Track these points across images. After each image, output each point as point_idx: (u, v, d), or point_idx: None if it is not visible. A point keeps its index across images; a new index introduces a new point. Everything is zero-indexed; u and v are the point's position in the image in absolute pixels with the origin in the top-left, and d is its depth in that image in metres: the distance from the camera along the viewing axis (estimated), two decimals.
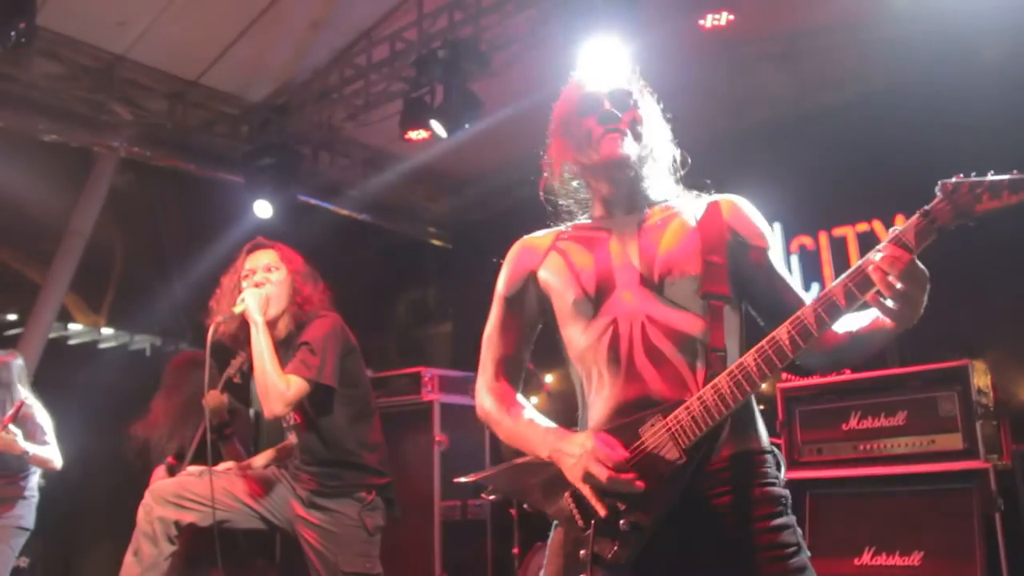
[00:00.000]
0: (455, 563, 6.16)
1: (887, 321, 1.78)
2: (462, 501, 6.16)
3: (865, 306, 1.77)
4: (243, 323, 3.43)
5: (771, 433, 4.88)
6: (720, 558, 1.84)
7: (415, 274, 9.09)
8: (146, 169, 6.90)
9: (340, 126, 6.69)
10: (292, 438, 3.58)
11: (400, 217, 8.20)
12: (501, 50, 5.65)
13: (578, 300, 2.02)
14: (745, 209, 2.11)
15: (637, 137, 2.07)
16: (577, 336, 2.02)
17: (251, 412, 5.98)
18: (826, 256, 5.99)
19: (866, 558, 4.19)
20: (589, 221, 2.19)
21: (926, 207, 1.66)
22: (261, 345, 3.33)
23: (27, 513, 5.07)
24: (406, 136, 5.99)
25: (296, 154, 6.65)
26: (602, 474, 1.79)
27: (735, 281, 2.00)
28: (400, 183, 7.39)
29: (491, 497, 1.90)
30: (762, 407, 3.79)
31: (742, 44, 5.77)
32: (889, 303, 1.71)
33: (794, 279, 2.08)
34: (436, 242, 8.70)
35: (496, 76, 5.67)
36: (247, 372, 4.16)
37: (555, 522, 2.03)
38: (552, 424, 2.03)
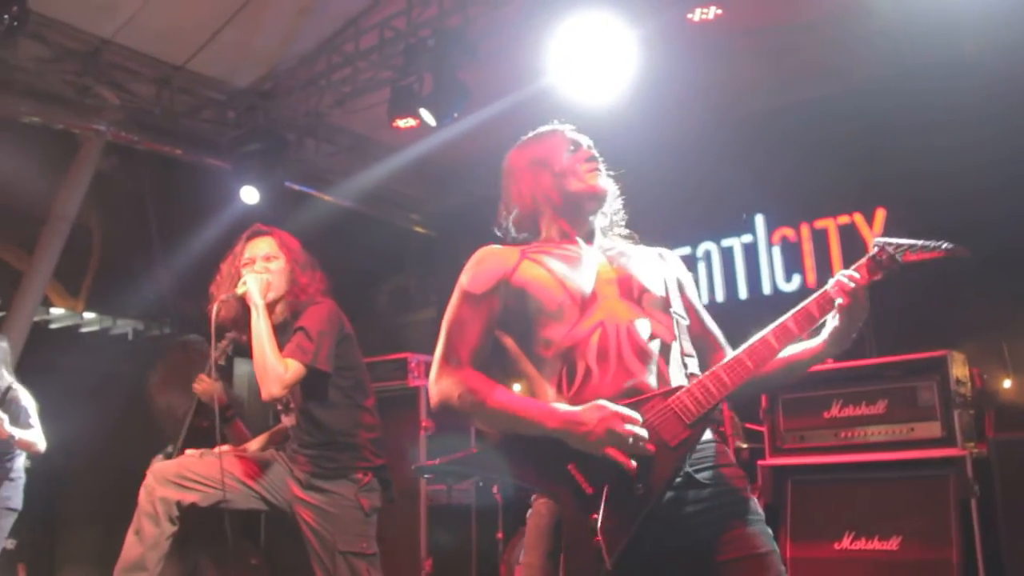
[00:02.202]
0: (440, 547, 6.23)
1: (816, 347, 2.20)
2: (447, 486, 6.23)
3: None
4: (243, 306, 3.49)
5: (754, 420, 4.99)
6: (707, 523, 2.05)
7: (398, 261, 9.12)
8: (131, 153, 6.87)
9: (327, 113, 6.70)
10: (288, 421, 3.63)
11: (384, 205, 8.21)
12: (489, 39, 5.68)
13: (564, 304, 2.18)
14: (680, 262, 2.48)
15: (606, 179, 2.39)
16: (561, 335, 2.17)
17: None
18: (808, 248, 6.09)
19: (846, 542, 4.30)
20: (548, 244, 2.38)
21: (872, 254, 2.14)
22: (261, 328, 3.39)
23: (14, 494, 5.12)
24: (394, 124, 6.01)
25: (282, 140, 6.64)
26: (627, 431, 1.97)
27: None
28: (385, 171, 7.39)
29: (463, 484, 1.93)
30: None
31: (725, 38, 5.83)
32: (836, 320, 2.15)
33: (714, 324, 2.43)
34: (419, 229, 8.72)
35: (483, 65, 5.70)
36: (231, 355, 4.22)
37: (533, 506, 2.14)
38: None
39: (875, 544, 4.22)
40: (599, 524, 1.95)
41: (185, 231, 6.94)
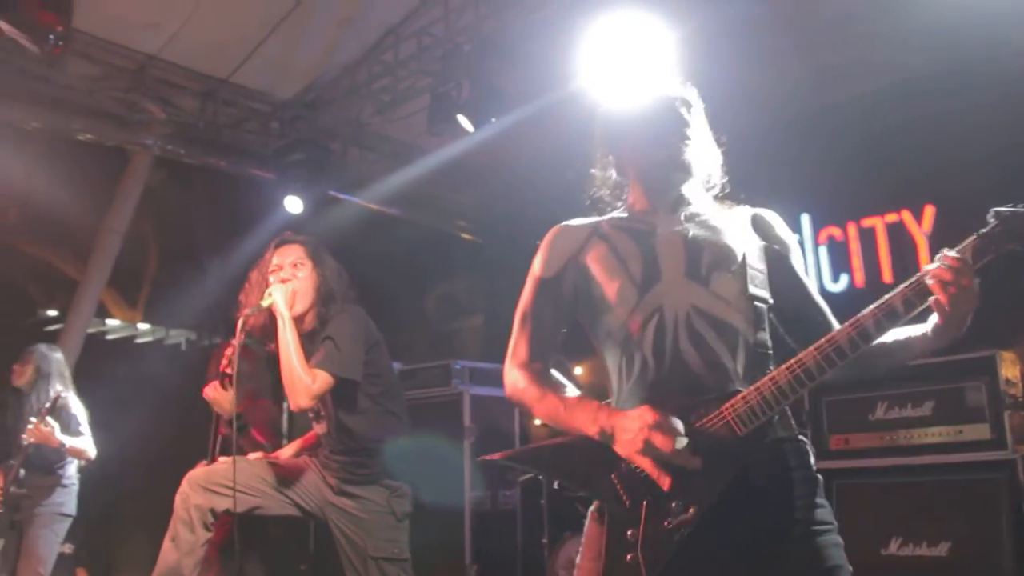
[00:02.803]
0: (485, 554, 6.21)
1: (925, 334, 1.92)
2: (492, 492, 6.22)
3: (915, 320, 1.89)
4: (271, 316, 3.50)
5: (798, 424, 4.90)
6: (766, 536, 1.89)
7: (445, 268, 9.15)
8: (180, 167, 7.03)
9: (368, 121, 6.76)
10: (320, 428, 3.65)
11: (429, 211, 8.25)
12: (526, 43, 5.68)
13: (624, 287, 2.05)
14: (781, 224, 2.23)
15: (696, 145, 2.16)
16: (620, 322, 2.05)
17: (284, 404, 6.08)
18: (855, 247, 5.96)
19: (893, 548, 4.19)
20: (626, 215, 2.24)
21: (982, 230, 1.79)
22: (288, 339, 3.39)
23: (68, 500, 5.25)
24: (433, 131, 6.05)
25: (325, 150, 6.72)
26: (667, 444, 1.81)
27: (771, 290, 2.10)
28: (428, 177, 7.43)
29: (521, 479, 1.92)
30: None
31: (768, 35, 5.75)
32: (938, 312, 1.84)
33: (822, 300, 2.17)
34: (465, 236, 8.75)
35: (521, 69, 5.70)
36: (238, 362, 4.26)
37: (590, 508, 2.07)
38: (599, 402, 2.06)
39: (923, 550, 4.11)
40: (638, 541, 1.86)
41: (232, 241, 7.06)
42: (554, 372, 2.18)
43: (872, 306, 1.85)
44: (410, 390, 6.56)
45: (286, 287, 3.48)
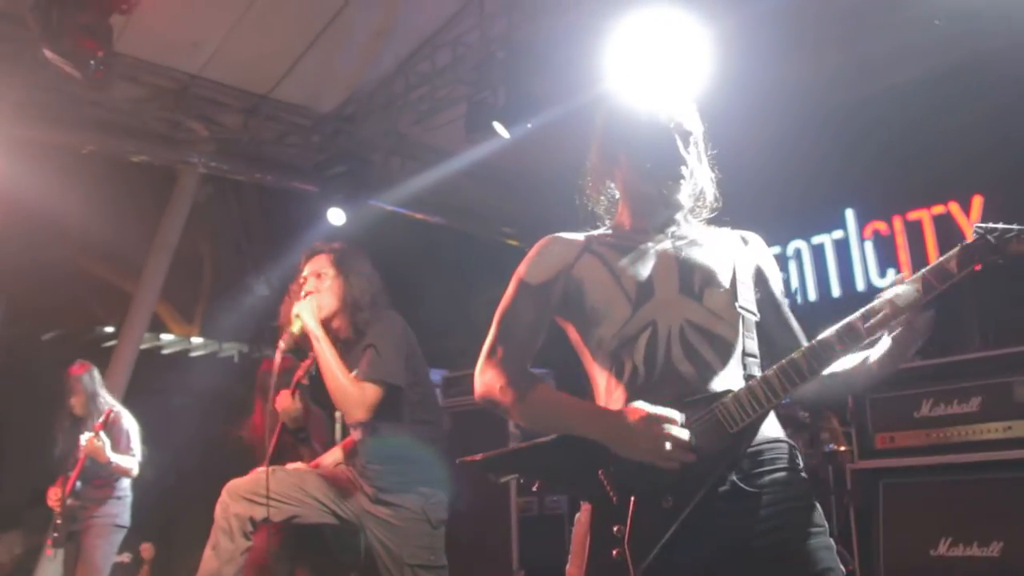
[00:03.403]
0: (533, 559, 6.21)
1: (868, 368, 2.01)
2: (539, 497, 6.22)
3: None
4: (306, 337, 3.52)
5: (842, 422, 4.80)
6: (755, 536, 1.89)
7: (492, 275, 9.14)
8: (226, 183, 7.17)
9: (407, 131, 6.82)
10: (356, 435, 3.68)
11: (472, 219, 8.28)
12: (560, 48, 5.68)
13: (617, 301, 2.06)
14: (764, 246, 2.27)
15: (689, 182, 2.17)
16: (611, 334, 2.06)
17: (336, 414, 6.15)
18: (901, 241, 5.84)
19: (942, 549, 4.07)
20: (617, 233, 2.24)
21: (966, 243, 1.84)
22: (327, 357, 3.42)
23: (122, 512, 5.38)
24: (471, 139, 6.08)
25: (366, 161, 6.81)
26: (665, 431, 1.84)
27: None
28: (471, 185, 7.47)
29: (501, 480, 1.91)
30: None
31: (807, 26, 5.66)
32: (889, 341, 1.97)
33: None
34: (511, 242, 8.76)
35: (557, 74, 5.70)
36: (315, 374, 4.32)
37: (577, 514, 2.07)
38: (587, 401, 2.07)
39: (974, 551, 3.97)
40: (624, 537, 1.86)
41: (278, 255, 7.18)
42: (532, 371, 2.16)
43: (853, 316, 1.92)
44: (456, 396, 6.58)
45: (310, 302, 3.52)
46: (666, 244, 2.15)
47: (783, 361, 1.91)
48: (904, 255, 5.79)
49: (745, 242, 2.24)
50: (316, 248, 3.77)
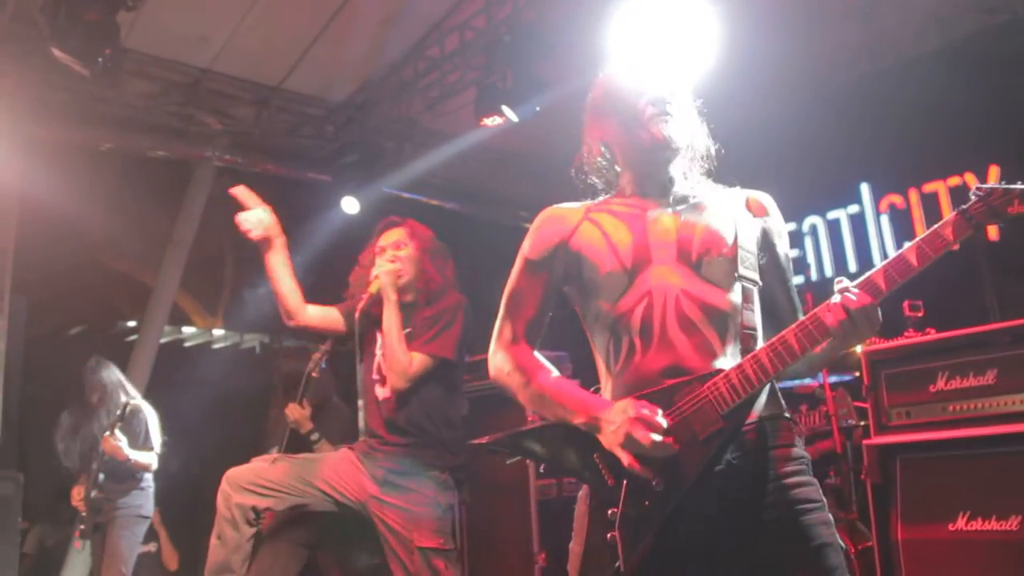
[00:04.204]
0: (553, 541, 6.22)
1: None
2: (557, 480, 6.22)
3: None
4: (376, 302, 3.64)
5: (857, 398, 4.77)
6: (750, 514, 1.91)
7: (509, 259, 9.14)
8: (239, 174, 7.20)
9: (418, 118, 6.82)
10: (388, 405, 3.67)
11: (487, 203, 8.26)
12: (566, 30, 5.65)
13: (614, 272, 2.05)
14: (774, 207, 2.22)
15: (681, 124, 2.15)
16: (608, 306, 2.06)
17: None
18: (918, 214, 5.78)
19: (961, 523, 4.03)
20: (617, 199, 2.22)
21: (964, 206, 1.85)
22: (391, 322, 3.54)
23: (145, 502, 5.47)
24: (481, 123, 6.06)
25: (380, 149, 6.82)
26: (645, 439, 1.85)
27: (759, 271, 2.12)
28: (484, 169, 7.47)
29: (508, 462, 1.95)
30: (856, 374, 3.64)
31: (815, 2, 5.60)
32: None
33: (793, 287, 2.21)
34: (527, 226, 8.72)
35: (565, 56, 5.67)
36: (325, 367, 4.37)
37: (579, 493, 2.09)
38: (584, 390, 2.08)
39: (992, 524, 3.93)
40: (616, 520, 1.89)
41: (294, 244, 7.20)
42: (538, 356, 2.17)
43: (858, 280, 1.89)
44: (474, 382, 6.61)
45: (391, 268, 3.63)
46: (667, 210, 2.13)
47: (774, 339, 1.90)
48: (921, 227, 5.71)
49: (756, 203, 2.20)
50: (392, 221, 3.89)
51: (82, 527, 5.15)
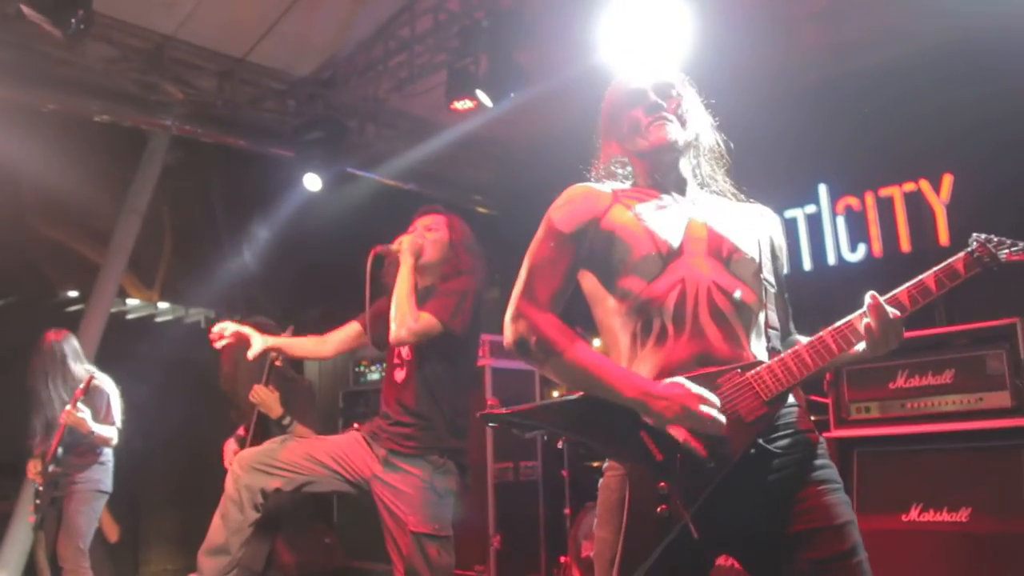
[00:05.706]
0: (508, 523, 6.31)
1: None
2: (514, 463, 6.31)
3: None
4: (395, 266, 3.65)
5: (819, 393, 4.93)
6: (783, 493, 2.01)
7: None
8: (196, 146, 7.05)
9: (385, 98, 6.77)
10: (400, 376, 3.71)
11: (445, 186, 8.25)
12: (544, 17, 5.67)
13: (648, 255, 2.10)
14: (780, 226, 2.37)
15: (682, 124, 2.23)
16: (640, 288, 2.09)
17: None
18: (872, 216, 5.96)
19: (914, 514, 4.24)
20: (637, 188, 2.29)
21: (970, 249, 2.02)
22: (404, 275, 3.54)
23: (104, 477, 5.38)
24: (452, 106, 6.05)
25: (343, 127, 6.75)
26: (706, 413, 1.92)
27: None
28: (445, 153, 7.44)
29: (526, 435, 1.94)
30: None
31: (783, 4, 5.73)
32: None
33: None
34: (481, 209, 8.75)
35: (540, 44, 5.70)
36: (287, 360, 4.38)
37: (600, 480, 2.13)
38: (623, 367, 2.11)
39: (944, 516, 4.15)
40: (667, 492, 1.93)
41: (251, 220, 7.11)
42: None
43: (887, 296, 2.02)
44: None
45: (415, 239, 3.66)
46: (689, 207, 2.22)
47: (813, 339, 2.02)
48: (875, 230, 5.92)
49: (762, 215, 2.33)
50: (435, 207, 3.91)
51: (37, 501, 5.02)
